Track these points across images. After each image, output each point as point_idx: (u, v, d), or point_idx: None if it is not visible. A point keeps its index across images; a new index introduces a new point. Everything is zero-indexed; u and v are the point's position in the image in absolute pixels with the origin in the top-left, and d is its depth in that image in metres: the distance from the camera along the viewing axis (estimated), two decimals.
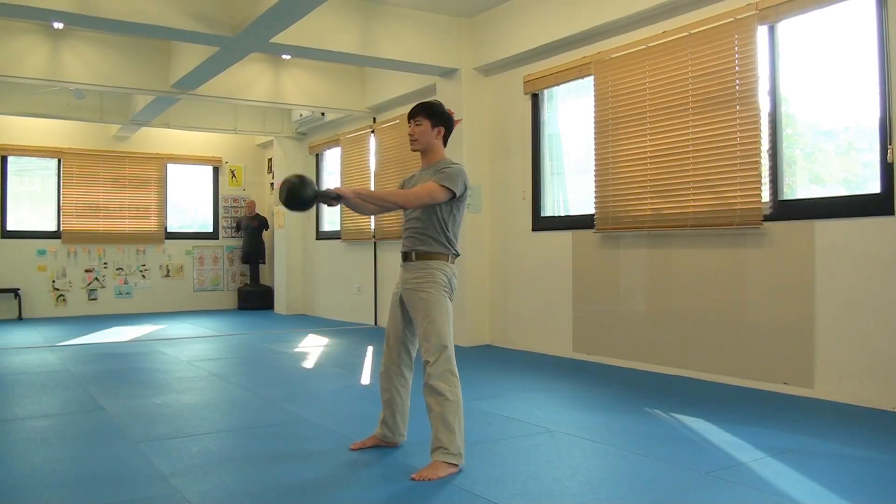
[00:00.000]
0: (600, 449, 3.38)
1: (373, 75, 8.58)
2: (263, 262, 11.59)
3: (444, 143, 3.27)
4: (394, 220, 8.39)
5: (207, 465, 3.13)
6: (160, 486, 2.85)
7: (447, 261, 3.16)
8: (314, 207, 10.36)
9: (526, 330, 6.64)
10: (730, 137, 4.80)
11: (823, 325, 4.38)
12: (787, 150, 4.74)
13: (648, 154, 5.39)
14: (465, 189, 3.16)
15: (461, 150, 6.89)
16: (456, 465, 2.96)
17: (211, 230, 11.67)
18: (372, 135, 8.91)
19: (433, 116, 3.20)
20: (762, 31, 4.70)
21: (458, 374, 3.04)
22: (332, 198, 3.06)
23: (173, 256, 11.19)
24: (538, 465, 3.12)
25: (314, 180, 3.08)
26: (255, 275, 11.53)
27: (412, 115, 3.21)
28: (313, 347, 7.11)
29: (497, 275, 6.99)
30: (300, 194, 3.05)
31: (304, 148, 10.66)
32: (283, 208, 3.10)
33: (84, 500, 2.72)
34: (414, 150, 3.26)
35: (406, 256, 3.21)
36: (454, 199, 3.13)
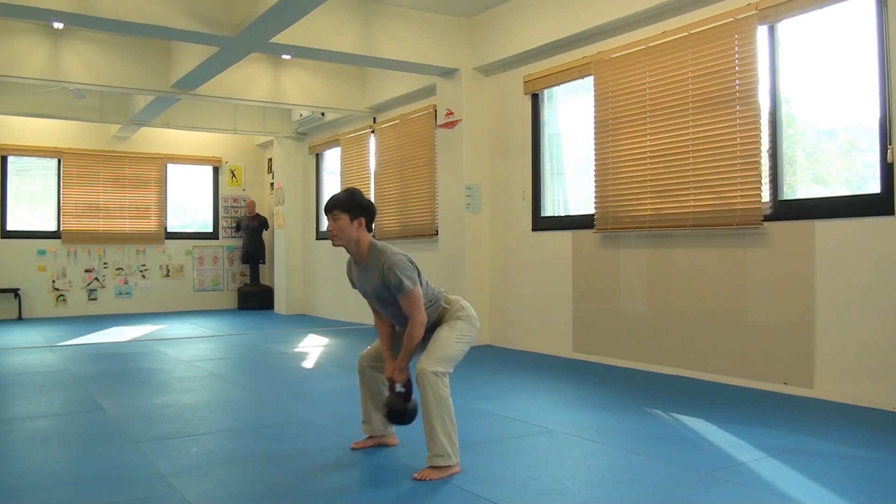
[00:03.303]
0: (600, 449, 3.38)
1: (373, 75, 8.58)
2: (263, 262, 11.60)
3: (369, 229, 3.12)
4: (394, 219, 8.39)
5: (207, 465, 3.13)
6: (160, 486, 2.84)
7: (449, 306, 3.15)
8: (315, 210, 10.40)
9: (526, 330, 6.64)
10: (730, 137, 4.80)
11: (823, 325, 4.38)
12: (788, 150, 4.74)
13: (648, 154, 5.39)
14: (415, 266, 3.05)
15: (461, 150, 6.90)
16: (454, 465, 2.95)
17: (211, 230, 11.68)
18: (372, 135, 8.91)
19: (351, 210, 3.03)
20: (762, 31, 4.70)
21: (445, 377, 2.99)
22: (409, 383, 3.09)
23: (173, 256, 11.20)
24: (538, 465, 3.12)
25: (392, 396, 3.16)
26: (255, 275, 11.53)
27: (328, 211, 3.07)
28: (313, 347, 7.11)
29: (497, 275, 6.99)
30: (404, 409, 3.08)
31: (304, 148, 10.66)
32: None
33: (84, 500, 2.72)
34: (337, 246, 3.12)
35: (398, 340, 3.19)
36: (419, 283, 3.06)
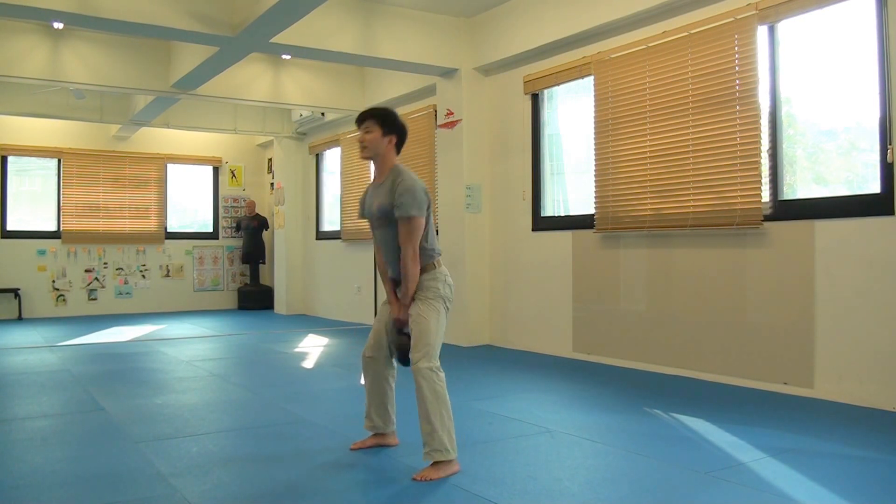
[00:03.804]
0: (600, 449, 3.38)
1: (373, 75, 8.58)
2: (263, 262, 11.59)
3: (398, 152, 3.14)
4: None
5: (207, 465, 3.13)
6: (160, 486, 2.85)
7: (435, 267, 3.12)
8: (315, 210, 10.41)
9: (526, 330, 6.64)
10: (730, 137, 4.80)
11: (823, 325, 4.38)
12: (788, 150, 4.74)
13: (648, 154, 5.39)
14: (427, 197, 3.05)
15: (461, 150, 6.90)
16: (453, 463, 2.95)
17: (211, 230, 11.68)
18: None
19: (385, 124, 3.07)
20: (762, 31, 4.70)
21: (439, 370, 2.99)
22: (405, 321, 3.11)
23: (173, 256, 11.20)
24: (538, 465, 3.12)
25: (400, 339, 3.17)
26: (255, 275, 11.53)
27: (361, 121, 3.08)
28: (313, 347, 7.11)
29: (497, 275, 6.99)
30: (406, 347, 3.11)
31: (304, 148, 10.66)
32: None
33: (84, 500, 2.72)
34: (364, 158, 3.14)
35: (396, 283, 3.17)
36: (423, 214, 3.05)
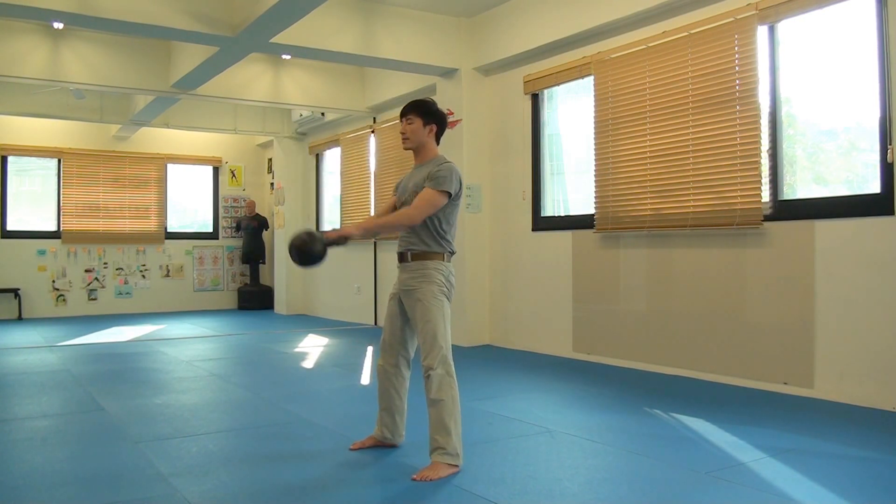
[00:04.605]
0: (600, 449, 3.38)
1: (373, 75, 8.58)
2: (263, 262, 11.59)
3: (437, 141, 3.26)
4: None
5: (207, 465, 3.13)
6: (160, 486, 2.85)
7: (443, 259, 3.14)
8: (315, 210, 10.39)
9: (526, 330, 6.64)
10: (730, 137, 4.80)
11: (823, 324, 4.38)
12: (788, 150, 4.74)
13: (648, 154, 5.39)
14: (460, 186, 3.13)
15: (461, 150, 6.89)
16: (455, 465, 2.97)
17: (211, 230, 11.68)
18: (372, 135, 8.91)
19: (425, 114, 3.19)
20: (762, 31, 4.70)
21: (454, 375, 3.03)
22: (342, 242, 3.10)
23: (173, 256, 11.20)
24: (538, 465, 3.12)
25: (317, 230, 3.14)
26: (255, 275, 11.53)
27: (404, 114, 3.21)
28: (313, 347, 7.11)
29: (497, 275, 6.99)
30: (311, 251, 3.07)
31: (304, 148, 10.66)
32: (296, 262, 3.13)
33: (84, 500, 2.72)
34: (406, 149, 3.25)
35: (402, 257, 3.19)
36: (449, 198, 3.10)
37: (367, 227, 3.24)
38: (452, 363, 3.04)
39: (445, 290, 3.12)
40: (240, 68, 7.70)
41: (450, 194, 3.07)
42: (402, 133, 3.21)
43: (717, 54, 4.89)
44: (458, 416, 3.00)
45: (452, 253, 3.20)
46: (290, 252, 3.11)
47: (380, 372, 3.30)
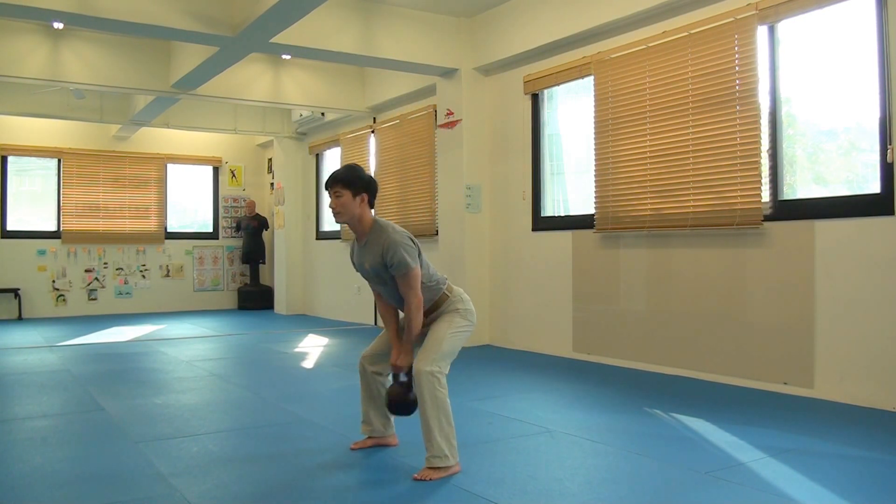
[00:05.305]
0: (600, 449, 3.38)
1: (373, 75, 8.58)
2: (263, 262, 11.59)
3: (371, 206, 3.10)
4: (394, 219, 8.38)
5: (207, 465, 3.13)
6: (160, 486, 2.85)
7: (448, 295, 3.15)
8: (315, 210, 10.40)
9: (526, 330, 6.64)
10: (730, 137, 4.80)
11: (823, 325, 4.38)
12: (788, 150, 4.74)
13: (648, 154, 5.39)
14: (417, 248, 3.04)
15: (461, 150, 6.89)
16: (447, 466, 2.94)
17: (211, 230, 11.68)
18: (372, 135, 8.91)
19: (353, 185, 3.01)
20: (762, 31, 4.70)
21: (444, 378, 2.98)
22: (412, 369, 3.04)
23: (173, 256, 11.20)
24: (538, 465, 3.12)
25: (396, 387, 3.12)
26: (255, 275, 11.53)
27: (330, 186, 3.04)
28: (313, 347, 7.11)
29: (497, 275, 6.99)
30: (410, 401, 3.06)
31: (304, 148, 10.66)
32: None
33: (84, 500, 2.72)
34: (339, 223, 3.12)
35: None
36: (418, 264, 3.03)
37: (411, 345, 3.09)
38: (444, 365, 3.00)
39: (463, 310, 3.14)
40: (240, 68, 7.69)
41: (417, 264, 3.00)
42: (332, 208, 3.05)
43: (717, 54, 4.89)
44: (441, 416, 2.93)
45: (445, 281, 3.19)
46: (394, 411, 3.11)
47: (363, 372, 3.30)
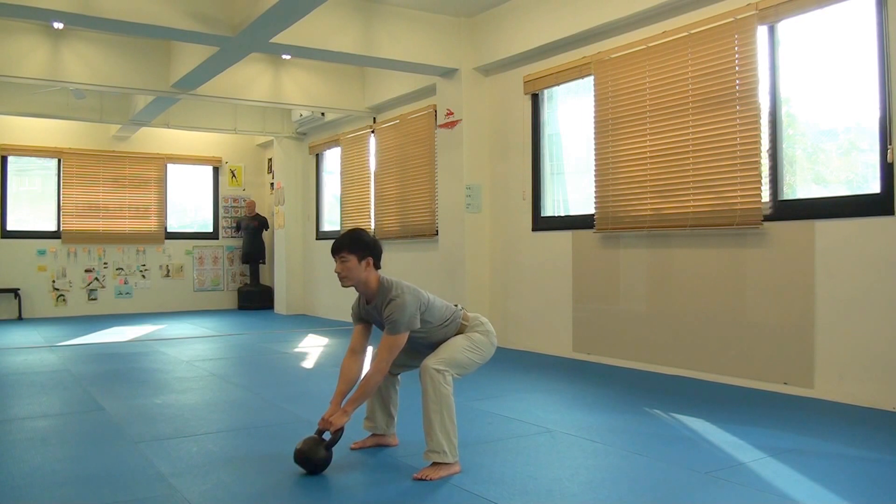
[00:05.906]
0: (600, 449, 3.38)
1: (373, 75, 8.58)
2: (263, 262, 11.60)
3: (377, 267, 3.11)
4: (394, 219, 8.39)
5: (207, 465, 3.13)
6: (160, 486, 2.84)
7: (467, 323, 3.17)
8: (315, 210, 10.39)
9: (526, 330, 6.64)
10: (730, 137, 4.80)
11: (823, 325, 4.38)
12: (788, 150, 4.74)
13: (648, 154, 5.39)
14: (420, 302, 3.04)
15: (461, 150, 6.90)
16: (454, 463, 2.95)
17: (211, 230, 11.68)
18: (372, 135, 8.91)
19: (357, 250, 3.02)
20: (762, 31, 4.70)
21: (450, 376, 2.98)
22: (339, 437, 3.02)
23: (173, 256, 11.20)
24: (538, 465, 3.12)
25: (312, 439, 3.04)
26: (255, 275, 11.54)
27: (336, 252, 3.05)
28: (313, 347, 7.11)
29: (497, 275, 6.99)
30: (319, 459, 2.98)
31: (304, 148, 10.67)
32: None
33: (84, 500, 2.72)
34: (346, 287, 3.11)
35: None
36: (408, 332, 3.02)
37: (353, 407, 3.02)
38: (450, 370, 3.00)
39: (480, 332, 3.16)
40: (240, 68, 7.70)
41: (407, 332, 2.99)
42: (338, 272, 3.06)
43: (717, 54, 4.89)
44: (444, 412, 2.93)
45: (461, 310, 3.20)
46: (302, 465, 3.00)
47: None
